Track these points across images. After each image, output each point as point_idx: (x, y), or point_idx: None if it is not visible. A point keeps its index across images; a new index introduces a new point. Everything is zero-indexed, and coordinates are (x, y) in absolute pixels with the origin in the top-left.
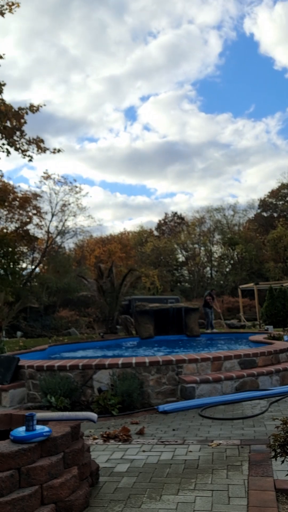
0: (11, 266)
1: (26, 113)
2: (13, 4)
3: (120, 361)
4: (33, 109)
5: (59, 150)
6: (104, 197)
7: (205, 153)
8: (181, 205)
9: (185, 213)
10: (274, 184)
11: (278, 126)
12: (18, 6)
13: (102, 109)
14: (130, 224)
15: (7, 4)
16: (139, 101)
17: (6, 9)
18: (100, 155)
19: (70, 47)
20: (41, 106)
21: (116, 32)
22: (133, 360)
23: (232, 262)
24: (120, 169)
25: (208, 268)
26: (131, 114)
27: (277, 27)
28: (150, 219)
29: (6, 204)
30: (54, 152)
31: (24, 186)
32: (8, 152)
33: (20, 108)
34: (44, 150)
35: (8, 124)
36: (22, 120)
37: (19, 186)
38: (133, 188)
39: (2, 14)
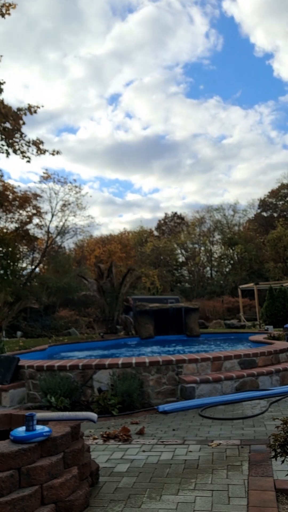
0: (11, 266)
1: (25, 114)
2: (10, 5)
3: (120, 361)
4: (31, 110)
5: (58, 152)
6: (91, 193)
7: (193, 146)
8: (173, 201)
9: (181, 210)
10: (264, 179)
11: (268, 116)
12: (14, 7)
13: (81, 94)
14: (120, 221)
15: (4, 5)
16: (122, 87)
17: (3, 8)
18: (81, 147)
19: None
20: (39, 107)
21: (93, 5)
22: (133, 360)
23: (232, 262)
24: (104, 163)
25: (208, 268)
26: (113, 100)
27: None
28: (140, 216)
29: (6, 204)
30: (53, 154)
31: (11, 182)
32: (8, 153)
33: (19, 109)
34: (43, 151)
35: (8, 125)
36: (21, 122)
37: (19, 186)
38: (120, 183)
39: (3, 15)
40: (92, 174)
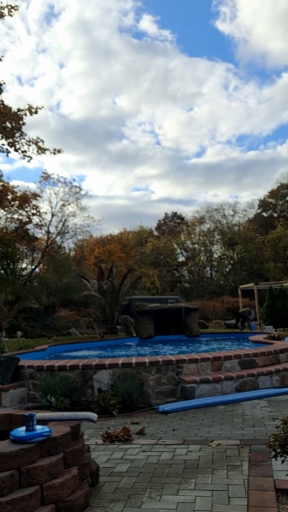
0: (11, 266)
1: (25, 114)
2: (12, 7)
3: (120, 361)
4: (31, 111)
5: (59, 151)
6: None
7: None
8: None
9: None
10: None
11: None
12: (17, 9)
13: None
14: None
15: (7, 6)
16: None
17: (6, 10)
18: None
19: None
20: (39, 109)
21: None
22: (133, 360)
23: (232, 262)
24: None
25: (208, 268)
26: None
27: None
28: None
29: (5, 204)
30: (54, 153)
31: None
32: (8, 152)
33: (19, 110)
34: (43, 150)
35: (8, 125)
36: (21, 122)
37: (18, 186)
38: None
39: (2, 16)
40: None
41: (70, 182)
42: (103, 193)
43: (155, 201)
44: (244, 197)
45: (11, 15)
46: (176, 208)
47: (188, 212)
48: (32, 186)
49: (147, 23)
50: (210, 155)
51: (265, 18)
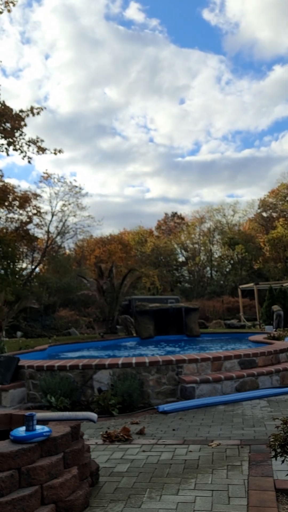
0: (11, 266)
1: (27, 115)
2: (10, 2)
3: (120, 361)
4: (33, 111)
5: (60, 151)
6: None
7: None
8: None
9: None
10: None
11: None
12: (14, 4)
13: None
14: None
15: (5, 2)
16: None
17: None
18: None
19: None
20: (41, 109)
21: None
22: (133, 360)
23: (232, 262)
24: None
25: (208, 268)
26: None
27: None
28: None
29: (6, 204)
30: (55, 153)
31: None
32: (8, 151)
33: (21, 111)
34: (43, 150)
35: (8, 125)
36: (23, 123)
37: (19, 186)
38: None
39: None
40: None
41: (71, 182)
42: (96, 191)
43: (150, 199)
44: (239, 195)
45: (9, 11)
46: (172, 206)
47: (183, 209)
48: (24, 183)
49: (134, 11)
50: (204, 152)
51: (253, 8)
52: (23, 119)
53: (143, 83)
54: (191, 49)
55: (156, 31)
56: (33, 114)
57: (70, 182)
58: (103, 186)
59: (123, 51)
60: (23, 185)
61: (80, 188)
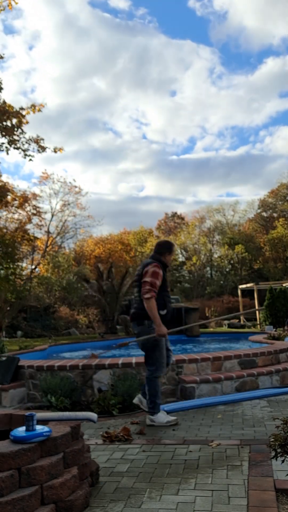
0: (11, 266)
1: (28, 113)
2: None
3: (120, 361)
4: (34, 109)
5: (60, 149)
6: None
7: None
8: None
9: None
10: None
11: None
12: (17, 3)
13: None
14: None
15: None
16: None
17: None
18: None
19: None
20: (42, 106)
21: None
22: (133, 360)
23: (232, 262)
24: None
25: (208, 268)
26: None
27: None
28: None
29: (5, 203)
30: (55, 151)
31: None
32: (8, 150)
33: (21, 108)
34: (44, 149)
35: (8, 123)
36: (24, 120)
37: (18, 186)
38: None
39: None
40: None
41: (70, 182)
42: (88, 189)
43: (144, 197)
44: (235, 193)
45: (10, 8)
46: (167, 205)
47: (179, 208)
48: (15, 180)
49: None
50: (198, 149)
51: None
52: (24, 116)
53: (132, 74)
54: (183, 40)
55: (146, 20)
56: (34, 111)
57: (70, 182)
58: (95, 184)
59: (110, 39)
60: (13, 181)
61: (79, 188)
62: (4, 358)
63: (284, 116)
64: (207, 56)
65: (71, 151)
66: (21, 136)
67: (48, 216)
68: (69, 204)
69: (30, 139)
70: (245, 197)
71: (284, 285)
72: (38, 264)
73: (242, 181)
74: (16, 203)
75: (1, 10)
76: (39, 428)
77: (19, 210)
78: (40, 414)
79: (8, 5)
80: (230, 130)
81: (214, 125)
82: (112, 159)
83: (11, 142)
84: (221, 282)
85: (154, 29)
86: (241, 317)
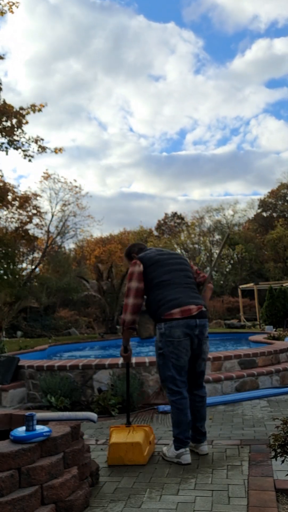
0: (11, 266)
1: (28, 113)
2: (13, 4)
3: (120, 361)
4: (34, 109)
5: (60, 149)
6: None
7: None
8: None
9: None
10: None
11: None
12: (17, 6)
13: None
14: None
15: (8, 3)
16: None
17: (7, 7)
18: None
19: None
20: (43, 106)
21: None
22: (133, 360)
23: (232, 262)
24: None
25: (208, 268)
26: None
27: None
28: None
29: (6, 203)
30: (55, 152)
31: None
32: (7, 150)
33: (21, 108)
34: (44, 149)
35: (8, 123)
36: (24, 121)
37: (18, 186)
38: None
39: (2, 13)
40: None
41: (71, 182)
42: (81, 187)
43: (133, 194)
44: (228, 191)
45: (11, 12)
46: (163, 202)
47: (174, 206)
48: (33, 186)
49: None
50: (188, 144)
51: None
52: (24, 116)
53: (108, 56)
54: (164, 24)
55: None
56: (34, 111)
57: (70, 182)
58: (82, 179)
59: (85, 18)
60: (13, 182)
61: (80, 188)
62: (2, 359)
63: (274, 106)
64: (191, 39)
65: (54, 146)
66: (21, 136)
67: (48, 216)
68: (69, 204)
69: (30, 139)
70: (239, 196)
71: (284, 285)
72: (38, 264)
73: (233, 177)
74: (16, 203)
75: (3, 13)
76: (39, 428)
77: (20, 210)
78: (40, 414)
79: (9, 9)
80: (218, 122)
81: (205, 115)
82: (97, 154)
83: (11, 142)
84: (221, 282)
85: (134, 11)
86: (241, 317)
